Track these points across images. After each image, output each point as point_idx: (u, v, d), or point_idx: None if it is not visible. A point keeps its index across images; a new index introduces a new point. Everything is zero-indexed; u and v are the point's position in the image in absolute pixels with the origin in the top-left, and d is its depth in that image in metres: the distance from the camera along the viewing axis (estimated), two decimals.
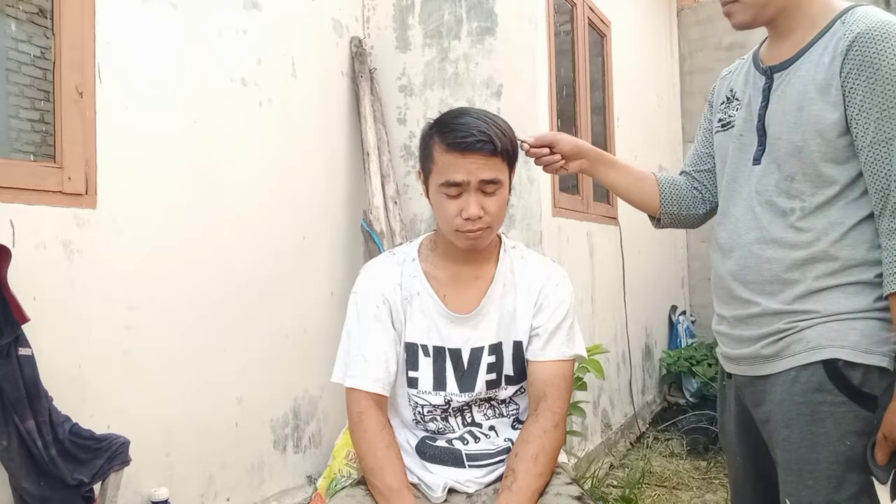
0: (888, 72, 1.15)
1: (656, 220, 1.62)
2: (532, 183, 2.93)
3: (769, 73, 1.32)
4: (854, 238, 1.21)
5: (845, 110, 1.20)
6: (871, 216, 1.21)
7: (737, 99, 1.39)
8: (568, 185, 3.47)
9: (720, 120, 1.43)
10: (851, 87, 1.18)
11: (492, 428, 1.47)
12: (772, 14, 1.29)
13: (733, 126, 1.38)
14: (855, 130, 1.19)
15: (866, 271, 1.21)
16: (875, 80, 1.16)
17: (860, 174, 1.21)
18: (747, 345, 1.33)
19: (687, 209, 1.56)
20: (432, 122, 1.41)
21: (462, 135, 1.32)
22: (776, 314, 1.27)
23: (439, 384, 1.44)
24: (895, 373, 1.19)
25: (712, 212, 1.55)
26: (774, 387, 1.28)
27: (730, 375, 1.43)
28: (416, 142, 1.52)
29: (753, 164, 1.32)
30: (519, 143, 1.44)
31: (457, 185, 1.33)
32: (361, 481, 1.44)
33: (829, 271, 1.22)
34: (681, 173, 1.61)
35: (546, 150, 1.51)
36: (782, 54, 1.31)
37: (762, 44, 1.40)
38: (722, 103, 1.44)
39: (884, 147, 1.16)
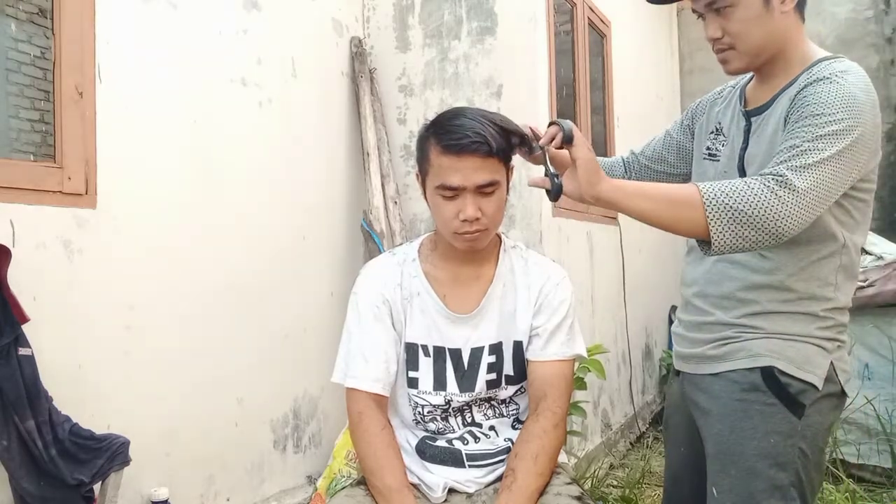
0: (815, 104, 1.21)
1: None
2: None
3: (747, 117, 1.42)
4: (809, 274, 1.33)
5: None
6: (828, 256, 1.32)
7: (723, 134, 1.48)
8: None
9: (707, 148, 1.52)
10: (790, 121, 1.26)
11: (492, 428, 1.47)
12: (763, 61, 1.37)
13: (719, 160, 1.48)
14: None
15: (814, 304, 1.33)
16: (804, 109, 1.23)
17: (822, 216, 1.28)
18: (697, 346, 1.45)
19: None
20: (428, 123, 1.41)
21: (457, 136, 1.31)
22: (727, 325, 1.39)
23: (439, 384, 1.44)
24: (822, 391, 1.32)
25: None
26: (714, 385, 1.40)
27: (678, 373, 1.55)
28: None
29: None
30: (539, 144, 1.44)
31: (453, 188, 1.33)
32: (361, 481, 1.44)
33: (782, 299, 1.34)
34: (629, 156, 1.73)
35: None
36: (761, 98, 1.40)
37: (750, 79, 1.47)
38: (711, 132, 1.52)
39: (784, 152, 1.21)
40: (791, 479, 1.31)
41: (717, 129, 1.50)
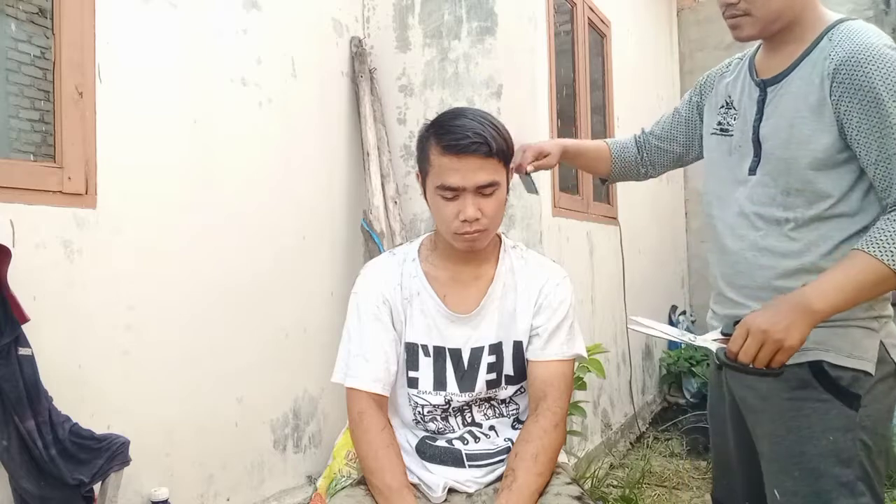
0: (880, 93, 1.19)
1: (603, 181, 1.84)
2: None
3: (763, 87, 1.36)
4: (843, 252, 1.25)
5: (840, 132, 1.24)
6: (859, 232, 1.25)
7: (734, 108, 1.43)
8: (568, 184, 3.47)
9: (718, 124, 1.46)
10: (846, 111, 1.22)
11: (492, 428, 1.47)
12: (777, 28, 1.31)
13: (731, 134, 1.42)
14: (857, 150, 1.23)
15: None
16: (868, 102, 1.20)
17: (851, 188, 1.26)
18: None
19: (631, 175, 1.78)
20: (429, 123, 1.41)
21: (457, 137, 1.32)
22: None
23: (439, 384, 1.44)
24: (877, 375, 1.26)
25: (648, 177, 1.78)
26: (761, 382, 1.34)
27: (720, 366, 1.47)
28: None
29: (749, 174, 1.36)
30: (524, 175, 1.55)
31: (453, 189, 1.33)
32: (361, 481, 1.44)
33: None
34: (640, 136, 1.73)
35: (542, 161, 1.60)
36: (775, 67, 1.35)
37: (757, 49, 1.43)
38: (721, 107, 1.47)
39: (885, 164, 1.21)
40: (857, 473, 1.26)
41: (727, 103, 1.45)
